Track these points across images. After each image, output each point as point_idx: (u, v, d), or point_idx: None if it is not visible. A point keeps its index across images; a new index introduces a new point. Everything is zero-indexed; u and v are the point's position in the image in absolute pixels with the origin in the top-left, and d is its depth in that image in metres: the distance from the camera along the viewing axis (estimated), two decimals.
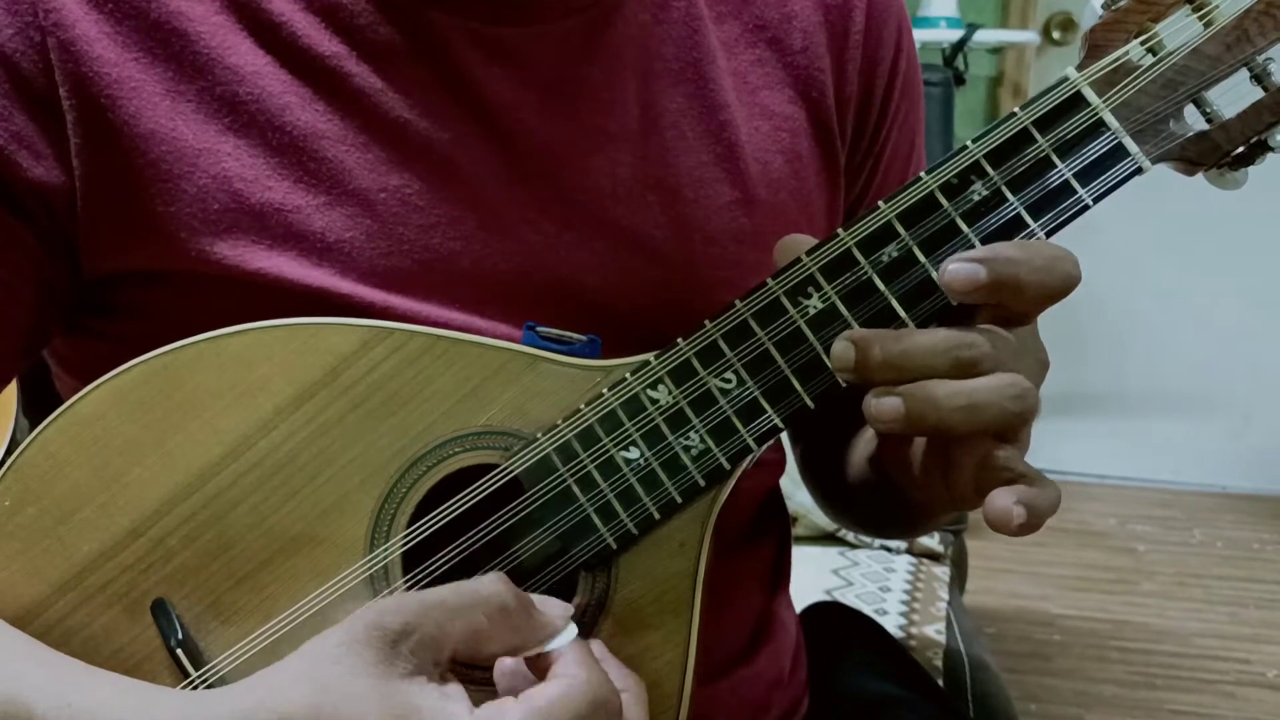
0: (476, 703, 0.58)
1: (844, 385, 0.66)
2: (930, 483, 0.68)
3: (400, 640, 0.58)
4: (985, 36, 3.34)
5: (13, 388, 1.30)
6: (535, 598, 0.63)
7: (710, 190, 0.79)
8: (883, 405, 0.62)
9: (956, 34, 3.26)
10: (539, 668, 0.62)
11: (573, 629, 0.62)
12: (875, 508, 0.91)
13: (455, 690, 0.58)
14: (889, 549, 1.99)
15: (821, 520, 1.97)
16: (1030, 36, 3.51)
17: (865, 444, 0.86)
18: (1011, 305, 0.63)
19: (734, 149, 0.80)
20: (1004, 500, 0.61)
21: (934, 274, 0.65)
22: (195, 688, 0.66)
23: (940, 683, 1.40)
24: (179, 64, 0.70)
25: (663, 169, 0.78)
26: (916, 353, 0.62)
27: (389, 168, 0.72)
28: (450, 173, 0.73)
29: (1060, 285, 0.62)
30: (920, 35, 3.16)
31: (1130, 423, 3.66)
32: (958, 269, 0.62)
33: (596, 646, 0.65)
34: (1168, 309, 3.65)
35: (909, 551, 1.98)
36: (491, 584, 0.60)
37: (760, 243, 0.80)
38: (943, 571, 1.92)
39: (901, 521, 0.92)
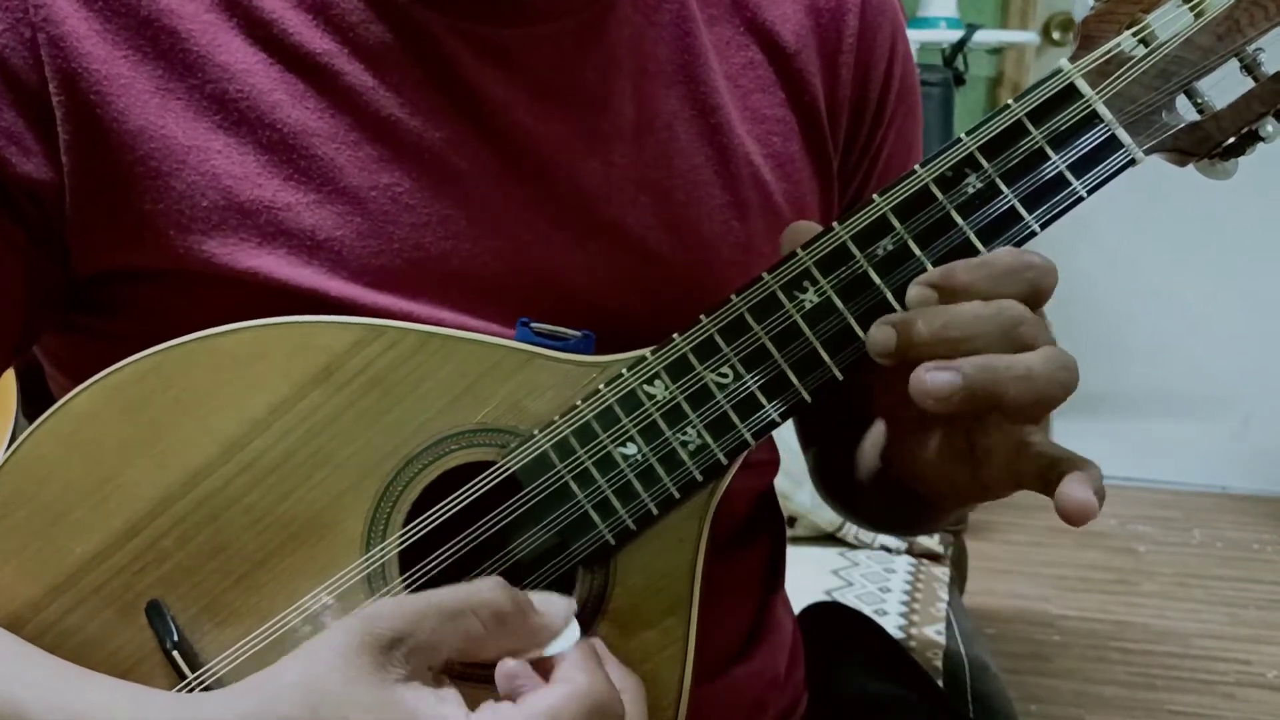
0: (479, 700, 0.58)
1: (839, 379, 0.66)
2: (952, 474, 0.68)
3: (395, 646, 0.57)
4: (985, 37, 3.34)
5: (13, 388, 1.30)
6: (537, 596, 0.62)
7: (702, 192, 0.79)
8: (939, 379, 0.61)
9: (956, 34, 3.26)
10: (543, 668, 0.61)
11: (574, 630, 0.62)
12: (888, 504, 0.90)
13: (450, 694, 0.58)
14: (889, 549, 1.99)
15: (821, 520, 1.98)
16: (1030, 37, 3.51)
17: (874, 441, 0.86)
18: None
19: (726, 152, 0.80)
20: (1082, 492, 0.61)
21: (930, 267, 0.65)
22: (192, 689, 0.66)
23: (940, 683, 1.40)
24: (169, 61, 0.70)
25: (655, 170, 0.78)
26: (964, 320, 0.62)
27: (380, 166, 0.72)
28: (442, 171, 0.73)
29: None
30: (920, 35, 3.16)
31: (1130, 423, 3.66)
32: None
33: (596, 645, 0.65)
34: (1168, 309, 3.64)
35: (909, 552, 1.98)
36: (488, 589, 0.60)
37: (752, 245, 0.80)
38: (942, 572, 1.92)
39: (915, 517, 0.91)
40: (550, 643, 0.61)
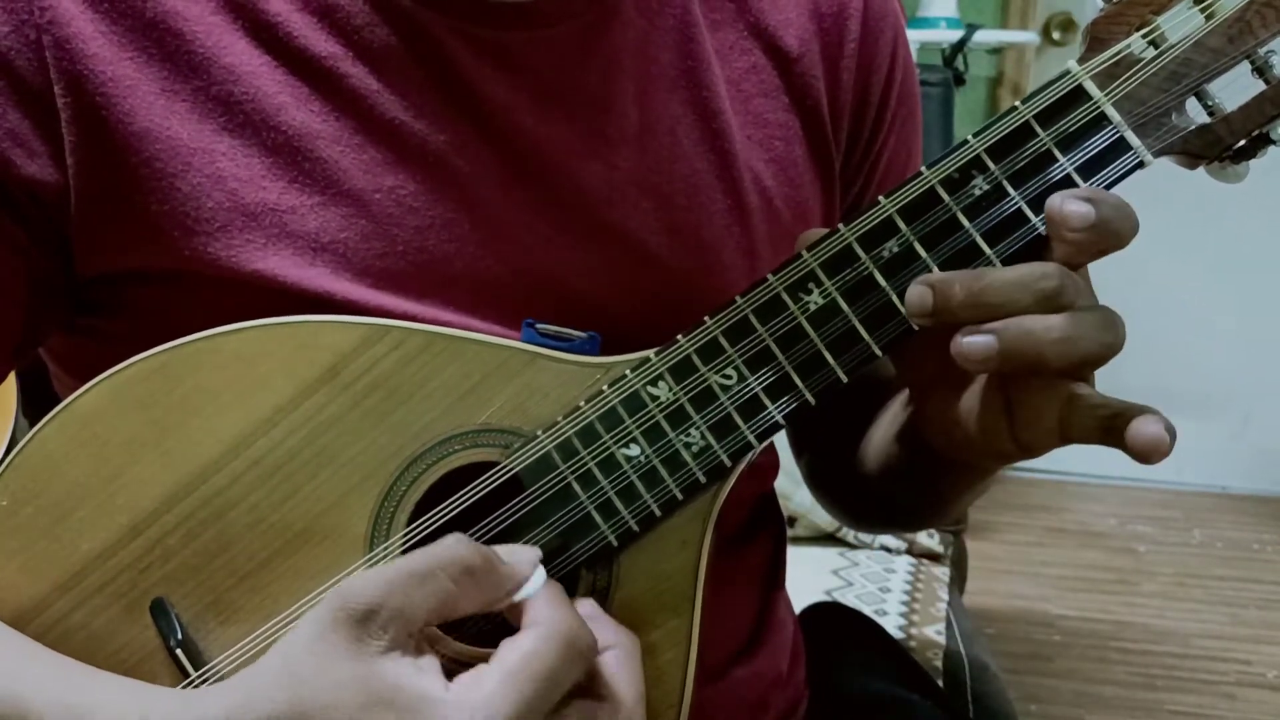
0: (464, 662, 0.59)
1: (844, 381, 0.66)
2: (990, 432, 0.67)
3: (369, 618, 0.57)
4: (985, 37, 3.34)
5: (13, 388, 1.30)
6: (502, 549, 0.62)
7: (704, 197, 0.79)
8: (975, 343, 0.62)
9: (956, 34, 3.26)
10: (514, 618, 0.61)
11: (540, 574, 0.62)
12: (902, 492, 0.89)
13: (430, 663, 0.58)
14: (889, 549, 1.99)
15: (821, 520, 1.98)
16: (1030, 37, 3.51)
17: (890, 423, 0.85)
18: (1096, 249, 0.63)
19: (728, 156, 0.80)
20: (1153, 428, 0.61)
21: (936, 269, 0.65)
22: (195, 687, 0.66)
23: (940, 683, 1.40)
24: (174, 63, 0.70)
25: (657, 174, 0.78)
26: (1001, 287, 0.62)
27: (384, 168, 0.72)
28: (445, 174, 0.73)
29: (1131, 230, 0.63)
30: (920, 35, 3.16)
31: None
32: (1075, 206, 0.62)
33: (586, 605, 0.65)
34: (1168, 309, 3.64)
35: (909, 552, 1.98)
36: (452, 546, 0.60)
37: (753, 249, 0.80)
38: (942, 572, 1.92)
39: (929, 502, 0.90)
40: (519, 590, 0.61)
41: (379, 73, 0.72)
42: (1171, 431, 0.61)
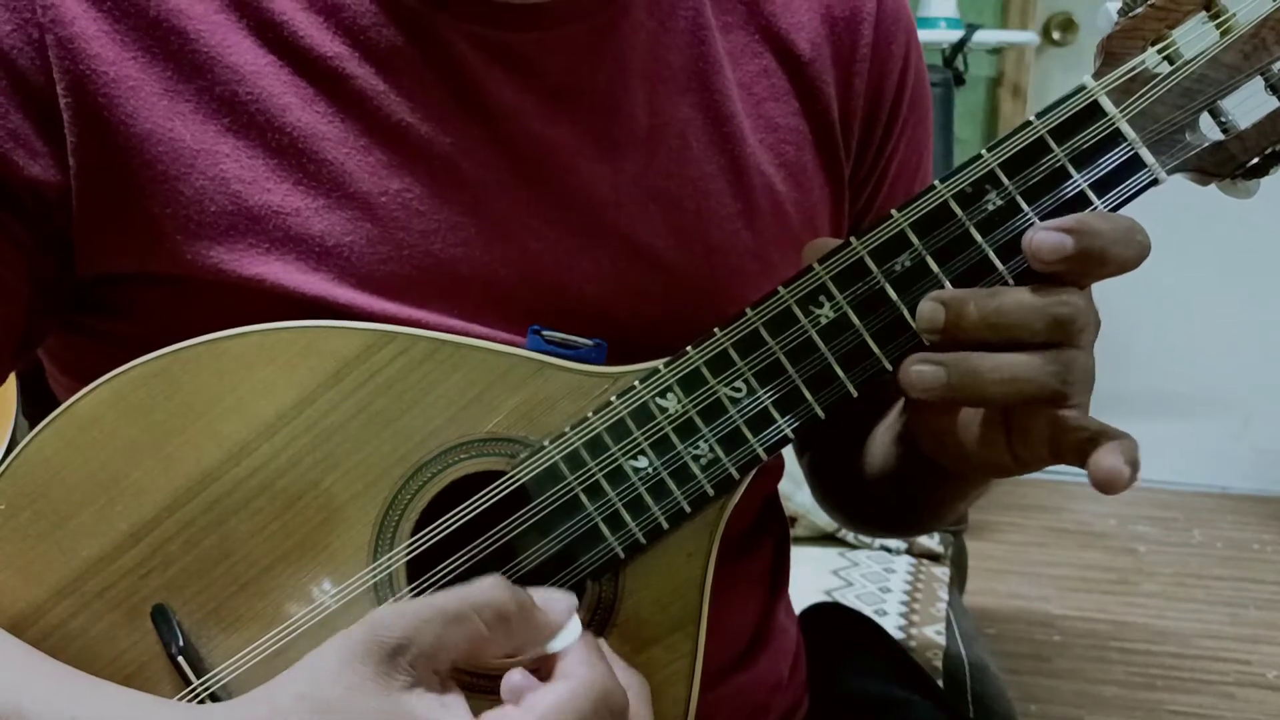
0: (483, 709, 0.58)
1: (855, 395, 0.66)
2: (989, 449, 0.68)
3: (399, 653, 0.57)
4: (985, 37, 3.35)
5: (13, 388, 1.29)
6: (538, 593, 0.61)
7: (713, 201, 0.78)
8: (924, 373, 0.63)
9: (956, 34, 3.26)
10: (546, 668, 0.61)
11: (576, 626, 0.61)
12: (900, 498, 0.90)
13: (455, 700, 0.58)
14: (889, 549, 1.99)
15: (821, 521, 1.97)
16: (1030, 37, 3.51)
17: (890, 427, 0.86)
18: (1092, 274, 0.63)
19: (738, 160, 0.79)
20: (1112, 460, 0.61)
21: (948, 284, 0.65)
22: (197, 695, 0.65)
23: (940, 684, 1.40)
24: (178, 63, 0.70)
25: (666, 179, 0.77)
26: (1014, 309, 0.62)
27: (390, 171, 0.71)
28: (452, 177, 0.72)
29: (1136, 256, 0.63)
30: (920, 35, 3.15)
31: (1130, 423, 3.62)
32: (1045, 237, 0.62)
33: (599, 644, 0.64)
34: (1168, 309, 3.64)
35: (909, 552, 1.98)
36: (489, 590, 0.59)
37: (763, 255, 0.80)
38: (942, 572, 1.93)
39: (926, 507, 0.90)
40: (553, 639, 0.61)
41: (385, 74, 0.72)
42: (1134, 464, 0.62)
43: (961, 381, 0.63)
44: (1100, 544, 3.40)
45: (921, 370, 0.63)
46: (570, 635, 0.61)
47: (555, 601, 0.62)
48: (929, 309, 0.64)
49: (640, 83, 0.77)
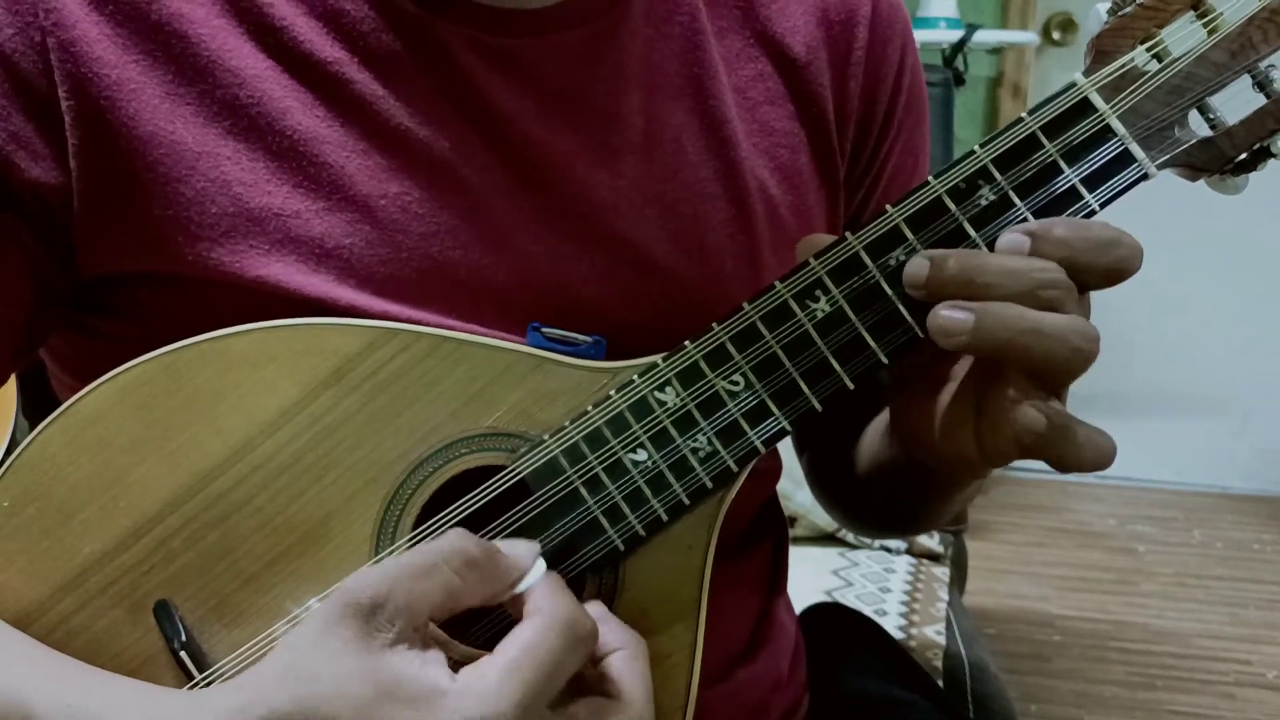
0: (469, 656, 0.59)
1: (851, 388, 0.66)
2: (958, 437, 0.68)
3: (375, 611, 0.57)
4: (985, 37, 3.35)
5: (13, 388, 1.30)
6: (501, 542, 0.63)
7: (709, 206, 0.79)
8: (952, 318, 0.62)
9: (956, 34, 3.26)
10: (516, 611, 0.62)
11: (541, 565, 0.62)
12: (890, 495, 0.90)
13: (435, 656, 0.58)
14: (889, 549, 1.99)
15: (821, 521, 1.98)
16: (1030, 37, 3.51)
17: (879, 424, 0.86)
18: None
19: (733, 165, 0.80)
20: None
21: None
22: (201, 688, 0.66)
23: (940, 684, 1.40)
24: (179, 66, 0.70)
25: (662, 183, 0.78)
26: (994, 269, 0.63)
27: (389, 174, 0.72)
28: (451, 181, 0.73)
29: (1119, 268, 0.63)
30: (920, 35, 3.16)
31: (1130, 423, 3.65)
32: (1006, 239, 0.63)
33: (595, 607, 0.65)
34: (1168, 309, 3.64)
35: (909, 552, 1.99)
36: (455, 539, 0.60)
37: (757, 258, 0.80)
38: (942, 572, 1.93)
39: (916, 504, 0.91)
40: (521, 581, 0.62)
41: (385, 78, 0.72)
42: (1103, 453, 0.63)
43: (986, 325, 0.62)
44: (1100, 544, 3.40)
45: (951, 315, 0.62)
46: (536, 575, 0.62)
47: (519, 546, 0.63)
48: (915, 264, 0.64)
49: (637, 88, 0.78)
